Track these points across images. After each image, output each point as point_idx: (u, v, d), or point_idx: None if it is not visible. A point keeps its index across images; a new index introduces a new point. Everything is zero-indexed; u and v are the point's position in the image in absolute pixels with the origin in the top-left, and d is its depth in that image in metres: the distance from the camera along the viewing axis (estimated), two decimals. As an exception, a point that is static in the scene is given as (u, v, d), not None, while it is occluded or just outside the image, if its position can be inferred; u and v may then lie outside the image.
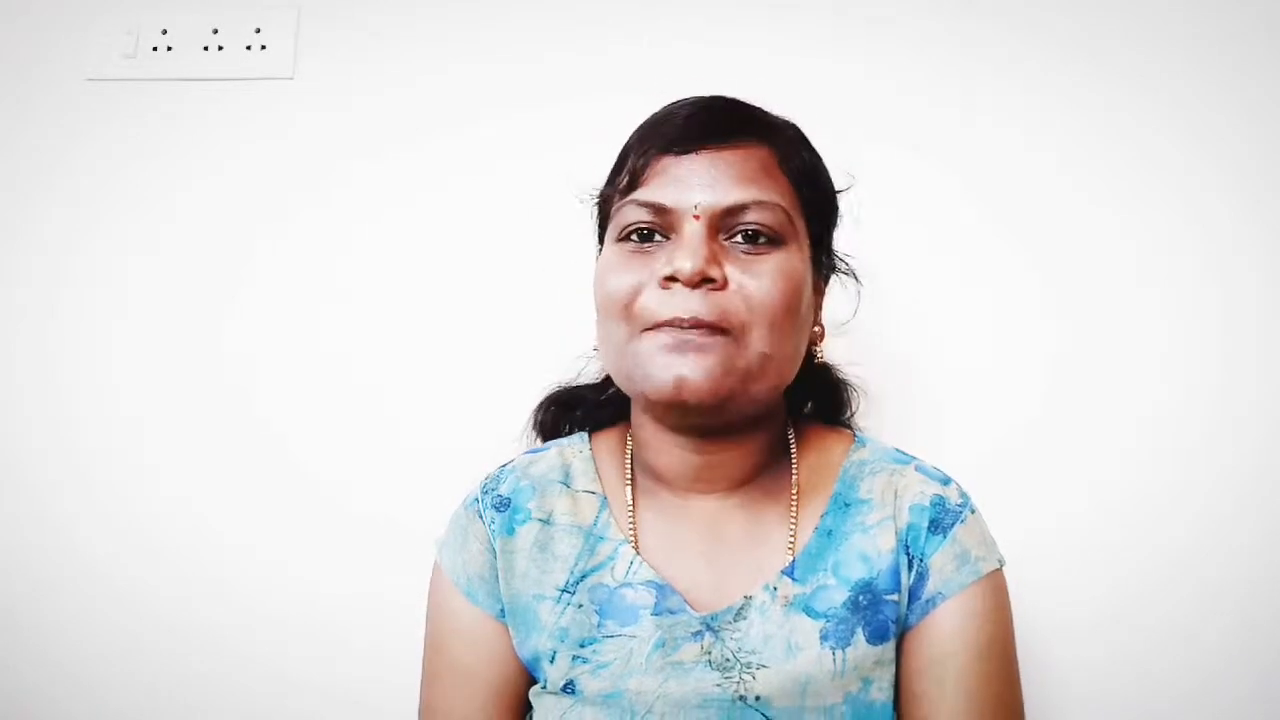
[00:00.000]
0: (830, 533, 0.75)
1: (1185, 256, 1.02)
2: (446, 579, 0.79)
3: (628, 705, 0.71)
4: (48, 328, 1.13)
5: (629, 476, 0.79)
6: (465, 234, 1.09)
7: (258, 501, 1.07)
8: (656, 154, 0.73)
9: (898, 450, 0.81)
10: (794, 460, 0.79)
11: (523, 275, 1.07)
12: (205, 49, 1.14)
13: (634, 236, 0.73)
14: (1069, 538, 0.99)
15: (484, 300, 1.08)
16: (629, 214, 0.73)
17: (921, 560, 0.74)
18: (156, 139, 1.14)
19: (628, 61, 1.09)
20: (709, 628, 0.72)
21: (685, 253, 0.69)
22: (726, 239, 0.71)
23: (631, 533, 0.77)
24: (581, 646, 0.74)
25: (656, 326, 0.70)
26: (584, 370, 0.90)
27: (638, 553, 0.76)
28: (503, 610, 0.77)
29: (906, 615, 0.73)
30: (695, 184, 0.71)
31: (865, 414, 0.91)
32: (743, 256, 0.71)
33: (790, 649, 0.71)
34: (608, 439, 0.83)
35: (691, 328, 0.69)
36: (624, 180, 0.74)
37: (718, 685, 0.70)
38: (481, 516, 0.79)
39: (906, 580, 0.73)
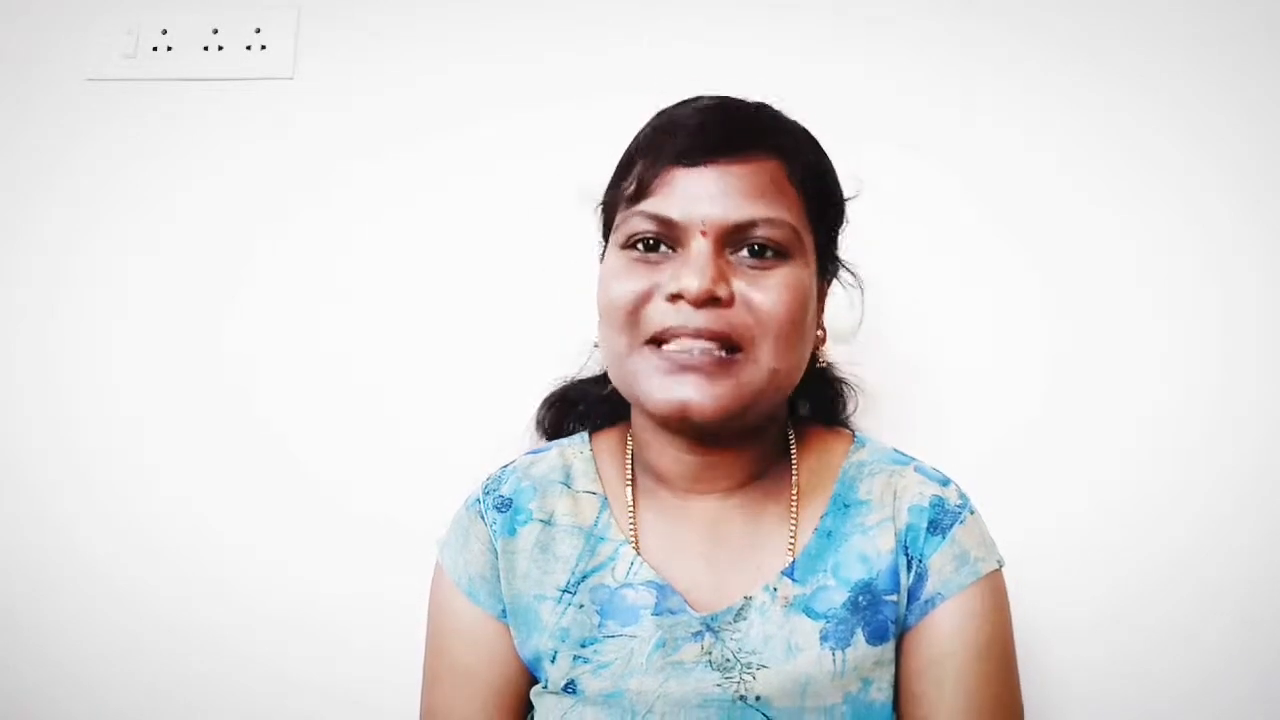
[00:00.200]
0: (830, 534, 0.75)
1: (1185, 256, 1.02)
2: (448, 579, 0.79)
3: (628, 705, 0.71)
4: (48, 328, 1.13)
5: (629, 477, 0.79)
6: (465, 234, 1.09)
7: (258, 501, 1.07)
8: (665, 165, 0.72)
9: (897, 451, 0.81)
10: (794, 461, 0.79)
11: (523, 275, 1.07)
12: (205, 49, 1.14)
13: (639, 246, 0.73)
14: (1069, 538, 0.99)
15: (484, 300, 1.08)
16: (635, 224, 0.73)
17: (920, 561, 0.74)
18: (156, 139, 1.14)
19: (628, 61, 1.09)
20: (709, 628, 0.72)
21: (692, 271, 0.69)
22: (733, 253, 0.71)
23: (632, 533, 0.77)
24: (582, 646, 0.74)
25: (659, 339, 0.70)
26: (586, 364, 0.91)
27: (638, 553, 0.76)
28: (504, 610, 0.77)
29: (906, 616, 0.73)
30: (703, 198, 0.70)
31: (865, 414, 0.91)
32: (749, 271, 0.71)
33: (790, 649, 0.71)
34: (608, 439, 0.83)
35: (696, 337, 0.69)
36: (631, 186, 0.74)
37: (718, 685, 0.70)
38: (483, 517, 0.79)
39: (905, 581, 0.73)
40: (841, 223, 0.81)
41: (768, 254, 0.71)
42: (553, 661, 0.74)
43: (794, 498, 0.77)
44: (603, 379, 0.88)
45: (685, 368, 0.69)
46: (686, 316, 0.69)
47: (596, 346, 0.80)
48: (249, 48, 1.14)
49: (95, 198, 1.14)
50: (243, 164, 1.13)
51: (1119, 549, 0.99)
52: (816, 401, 0.89)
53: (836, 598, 0.73)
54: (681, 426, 0.72)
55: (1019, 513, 0.94)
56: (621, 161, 0.78)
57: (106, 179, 1.14)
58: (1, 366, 1.12)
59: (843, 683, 0.71)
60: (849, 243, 0.83)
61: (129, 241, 1.13)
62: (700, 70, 0.90)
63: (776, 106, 0.78)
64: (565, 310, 0.99)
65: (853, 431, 0.84)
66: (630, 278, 0.72)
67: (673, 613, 0.73)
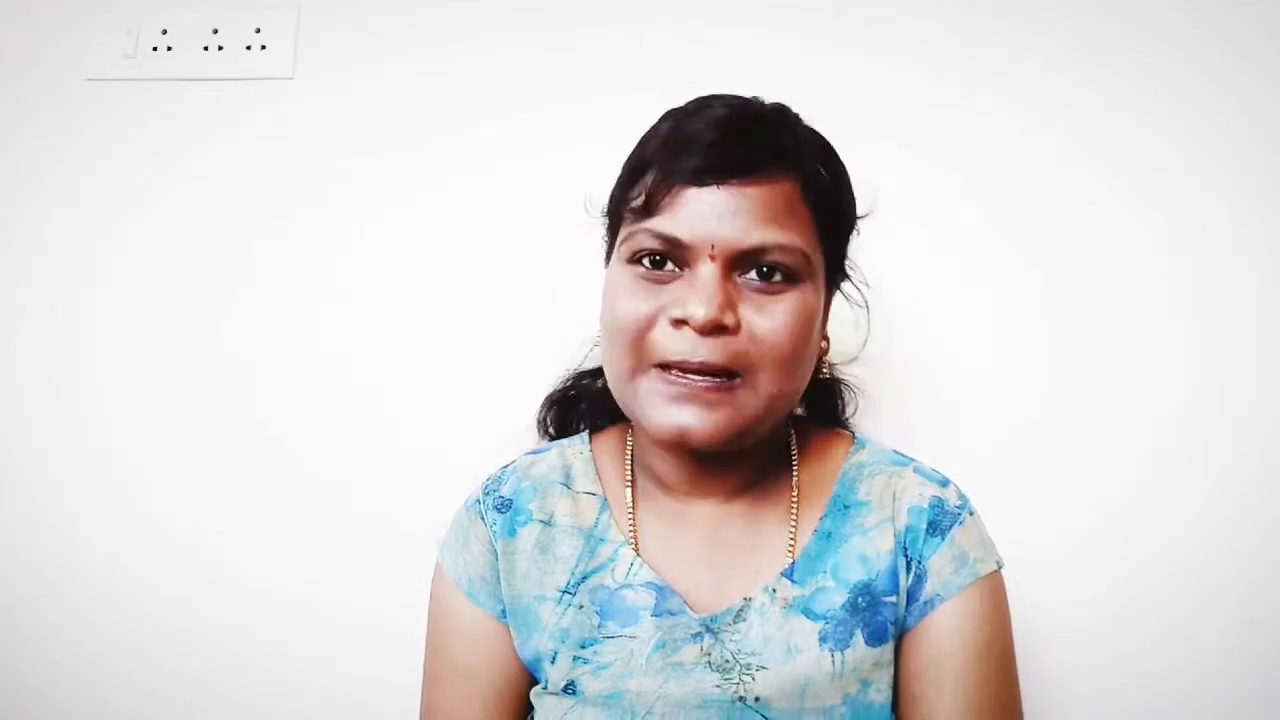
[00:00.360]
0: (829, 535, 0.75)
1: (1185, 256, 1.02)
2: (448, 579, 0.80)
3: (628, 706, 0.71)
4: (48, 328, 1.13)
5: (629, 478, 0.80)
6: (465, 234, 1.09)
7: (258, 501, 1.07)
8: (676, 183, 0.70)
9: (896, 452, 0.81)
10: (794, 464, 0.79)
11: (523, 276, 1.07)
12: (205, 49, 1.14)
13: (645, 262, 0.72)
14: (1069, 538, 0.99)
15: (484, 301, 1.08)
16: (642, 240, 0.71)
17: (920, 562, 0.74)
18: (156, 139, 1.14)
19: (628, 61, 1.09)
20: (709, 629, 0.72)
21: (699, 299, 0.68)
22: (741, 274, 0.70)
23: (632, 534, 0.77)
24: (582, 647, 0.74)
25: (664, 366, 0.70)
26: (589, 355, 0.91)
27: (638, 554, 0.76)
28: (504, 611, 0.77)
29: (905, 617, 0.73)
30: (713, 218, 0.69)
31: (864, 414, 0.91)
32: (755, 295, 0.70)
33: (789, 650, 0.71)
34: (608, 440, 0.83)
35: (699, 372, 0.69)
36: (639, 198, 0.72)
37: (717, 686, 0.70)
38: (483, 518, 0.79)
39: (905, 582, 0.73)
40: (852, 233, 0.80)
41: (776, 277, 0.70)
42: (552, 662, 0.74)
43: (794, 500, 0.77)
44: (601, 372, 0.87)
45: (686, 396, 0.69)
46: (692, 346, 0.68)
47: (596, 346, 0.80)
48: (249, 48, 1.14)
49: (95, 198, 1.14)
50: (243, 164, 1.13)
51: (1119, 549, 0.99)
52: (816, 403, 0.89)
53: (836, 599, 0.73)
54: (681, 450, 0.73)
55: (1019, 513, 0.94)
56: (630, 164, 0.76)
57: (106, 179, 1.14)
58: (1, 366, 1.13)
59: (842, 684, 0.71)
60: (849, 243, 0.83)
61: (129, 241, 1.13)
62: (700, 70, 0.89)
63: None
64: (565, 310, 0.99)
65: (852, 433, 0.84)
66: (636, 297, 0.71)
67: (672, 614, 0.73)
